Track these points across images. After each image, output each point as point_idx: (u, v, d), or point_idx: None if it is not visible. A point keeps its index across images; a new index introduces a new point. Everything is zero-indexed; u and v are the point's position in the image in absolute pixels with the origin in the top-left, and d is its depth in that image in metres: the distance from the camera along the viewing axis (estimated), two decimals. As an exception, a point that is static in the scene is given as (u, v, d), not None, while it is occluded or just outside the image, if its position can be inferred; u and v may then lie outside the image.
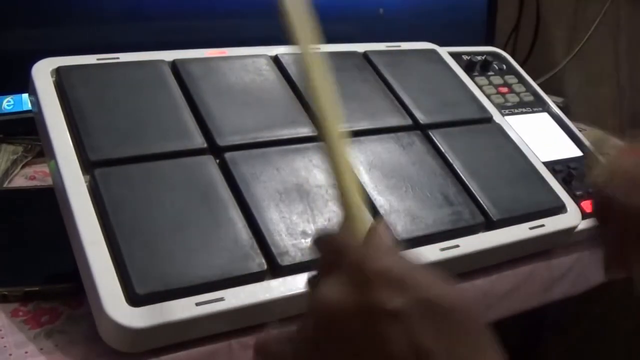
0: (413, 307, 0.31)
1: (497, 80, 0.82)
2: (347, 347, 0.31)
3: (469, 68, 0.81)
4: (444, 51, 0.81)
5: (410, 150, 0.66)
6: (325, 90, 0.40)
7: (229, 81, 0.64)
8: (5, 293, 0.52)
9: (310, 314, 0.34)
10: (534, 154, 0.73)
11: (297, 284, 0.51)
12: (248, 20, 0.87)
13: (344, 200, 0.38)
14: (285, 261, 0.52)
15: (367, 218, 0.38)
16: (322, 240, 0.37)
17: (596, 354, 1.13)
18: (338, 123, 0.39)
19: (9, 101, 0.77)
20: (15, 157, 0.76)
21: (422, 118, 0.70)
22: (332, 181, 0.38)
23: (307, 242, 0.53)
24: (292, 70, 0.68)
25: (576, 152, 0.78)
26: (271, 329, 0.36)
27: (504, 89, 0.82)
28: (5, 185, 0.71)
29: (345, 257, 0.34)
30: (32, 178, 0.74)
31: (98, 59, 0.61)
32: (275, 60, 0.69)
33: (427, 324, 0.30)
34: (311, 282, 0.37)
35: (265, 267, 0.51)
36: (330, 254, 0.35)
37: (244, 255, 0.51)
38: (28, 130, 0.73)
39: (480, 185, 0.65)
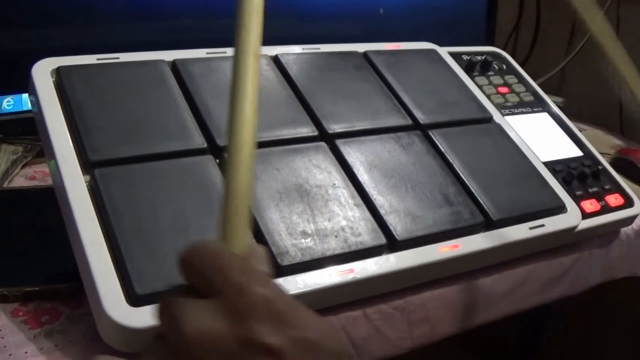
0: (293, 346, 0.28)
1: (497, 80, 0.82)
2: None
3: (469, 68, 0.81)
4: (444, 51, 0.81)
5: (410, 150, 0.66)
6: (250, 100, 0.36)
7: (229, 81, 0.64)
8: (5, 293, 0.52)
9: (169, 345, 0.29)
10: (534, 154, 0.73)
11: (297, 284, 0.51)
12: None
13: (228, 210, 0.33)
14: (285, 261, 0.52)
15: (247, 238, 0.33)
16: (196, 254, 0.31)
17: (597, 354, 1.13)
18: (253, 134, 0.35)
19: (9, 101, 0.77)
20: (15, 157, 0.76)
21: (422, 118, 0.70)
22: (222, 189, 0.33)
23: (307, 242, 0.53)
24: (292, 70, 0.68)
25: (576, 152, 0.78)
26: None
27: (504, 89, 0.82)
28: (5, 185, 0.71)
29: (224, 277, 0.29)
30: (32, 178, 0.74)
31: (98, 59, 0.61)
32: (275, 60, 0.69)
33: None
34: (166, 305, 0.31)
35: (265, 267, 0.51)
36: (204, 272, 0.30)
37: (244, 255, 0.51)
38: (28, 130, 0.72)
39: (480, 185, 0.65)
